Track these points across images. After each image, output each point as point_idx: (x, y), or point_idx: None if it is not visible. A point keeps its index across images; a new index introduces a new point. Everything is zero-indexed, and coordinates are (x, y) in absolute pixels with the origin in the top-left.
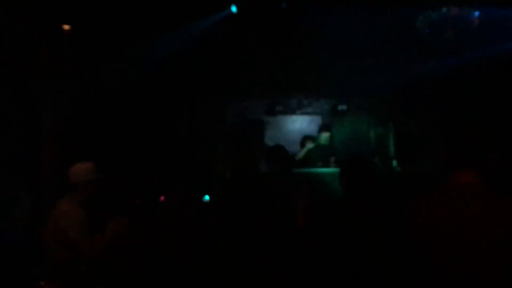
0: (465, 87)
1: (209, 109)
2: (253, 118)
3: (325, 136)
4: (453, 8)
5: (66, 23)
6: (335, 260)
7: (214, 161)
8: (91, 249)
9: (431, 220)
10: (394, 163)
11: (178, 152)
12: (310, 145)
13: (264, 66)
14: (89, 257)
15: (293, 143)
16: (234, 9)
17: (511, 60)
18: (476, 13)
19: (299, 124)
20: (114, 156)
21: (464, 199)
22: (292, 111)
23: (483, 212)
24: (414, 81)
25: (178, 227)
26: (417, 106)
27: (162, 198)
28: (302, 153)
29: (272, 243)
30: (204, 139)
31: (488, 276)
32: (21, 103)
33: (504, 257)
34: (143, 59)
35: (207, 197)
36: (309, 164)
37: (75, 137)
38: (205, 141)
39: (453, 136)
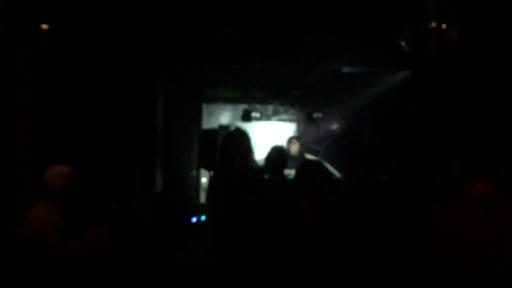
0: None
1: (184, 114)
2: (227, 124)
3: (294, 147)
4: (433, 22)
5: (45, 23)
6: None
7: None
8: (68, 254)
9: (451, 234)
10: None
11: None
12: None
13: (241, 72)
14: (65, 262)
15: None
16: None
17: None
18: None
19: (273, 130)
20: (89, 160)
21: (481, 210)
22: (268, 118)
23: (500, 223)
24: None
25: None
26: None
27: (113, 206)
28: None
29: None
30: (178, 144)
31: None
32: None
33: None
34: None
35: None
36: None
37: (52, 140)
38: (179, 146)
39: (464, 148)
